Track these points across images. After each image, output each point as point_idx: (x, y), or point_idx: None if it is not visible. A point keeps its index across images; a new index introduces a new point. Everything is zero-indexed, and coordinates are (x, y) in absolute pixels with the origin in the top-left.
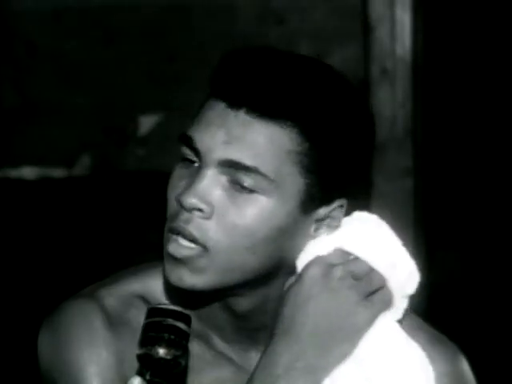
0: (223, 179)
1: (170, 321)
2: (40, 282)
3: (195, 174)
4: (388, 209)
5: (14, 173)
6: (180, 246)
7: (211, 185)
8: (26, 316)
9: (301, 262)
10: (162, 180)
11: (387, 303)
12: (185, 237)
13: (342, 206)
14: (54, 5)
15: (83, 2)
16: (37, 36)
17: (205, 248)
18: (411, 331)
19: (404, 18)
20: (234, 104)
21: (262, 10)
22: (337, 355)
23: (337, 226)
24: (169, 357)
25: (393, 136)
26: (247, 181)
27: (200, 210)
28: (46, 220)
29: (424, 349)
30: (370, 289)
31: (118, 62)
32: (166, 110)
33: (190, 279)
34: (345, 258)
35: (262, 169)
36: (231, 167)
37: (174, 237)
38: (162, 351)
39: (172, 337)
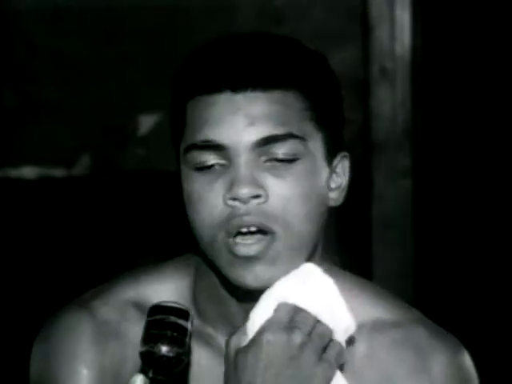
0: (260, 161)
1: (173, 318)
2: (40, 282)
3: (227, 170)
4: (387, 209)
5: (14, 173)
6: (247, 245)
7: (254, 169)
8: (26, 317)
9: (254, 324)
10: (162, 179)
11: (340, 356)
12: (252, 227)
13: (345, 157)
14: (54, 5)
15: (83, 1)
16: (37, 36)
17: (271, 233)
18: (411, 326)
19: (404, 17)
20: (239, 88)
21: (261, 10)
22: None
23: (342, 185)
24: (171, 354)
25: (392, 136)
26: (285, 150)
27: (257, 196)
28: (46, 220)
29: (424, 344)
30: (323, 344)
31: (118, 62)
32: (166, 109)
33: (267, 273)
34: (293, 313)
35: (294, 131)
36: (266, 144)
37: (232, 240)
38: (164, 348)
39: (175, 334)
